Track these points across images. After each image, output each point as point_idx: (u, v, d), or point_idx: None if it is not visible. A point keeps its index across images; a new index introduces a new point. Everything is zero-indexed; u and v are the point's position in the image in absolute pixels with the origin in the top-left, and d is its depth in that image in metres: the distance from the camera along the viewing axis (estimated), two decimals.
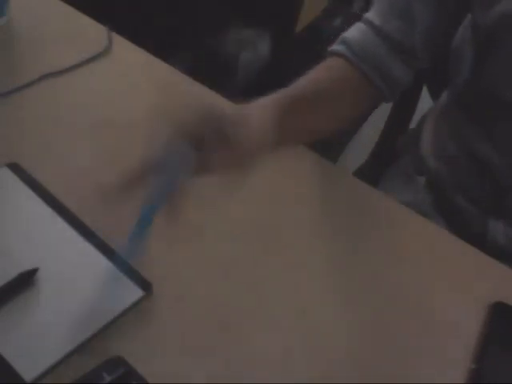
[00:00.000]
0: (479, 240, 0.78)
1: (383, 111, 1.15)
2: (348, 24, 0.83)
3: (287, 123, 0.70)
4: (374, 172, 1.05)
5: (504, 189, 0.82)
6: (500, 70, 0.76)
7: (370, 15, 0.81)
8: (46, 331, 0.60)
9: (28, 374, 0.57)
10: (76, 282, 0.64)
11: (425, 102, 1.09)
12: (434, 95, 1.05)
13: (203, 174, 0.62)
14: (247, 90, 1.80)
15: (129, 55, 0.93)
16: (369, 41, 0.79)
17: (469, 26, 0.81)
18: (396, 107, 1.13)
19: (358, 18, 0.82)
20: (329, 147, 0.89)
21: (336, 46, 0.80)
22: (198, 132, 0.61)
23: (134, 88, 0.88)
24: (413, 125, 1.06)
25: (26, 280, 0.63)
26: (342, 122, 0.80)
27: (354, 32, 0.81)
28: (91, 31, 0.95)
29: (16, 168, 0.73)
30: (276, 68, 1.81)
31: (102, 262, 0.66)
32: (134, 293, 0.64)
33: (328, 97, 0.77)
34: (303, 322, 0.65)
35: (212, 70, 1.79)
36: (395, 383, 0.61)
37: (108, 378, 0.57)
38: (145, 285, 0.64)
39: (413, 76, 0.82)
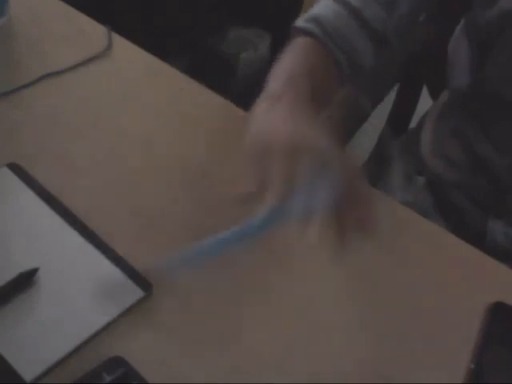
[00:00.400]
0: (479, 240, 0.78)
1: (383, 111, 1.15)
2: None
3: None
4: (373, 172, 1.05)
5: (504, 189, 0.82)
6: (503, 69, 0.76)
7: None
8: (46, 331, 0.60)
9: (28, 373, 0.57)
10: (76, 282, 0.64)
11: (425, 102, 1.09)
12: (434, 95, 1.05)
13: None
14: (247, 89, 1.80)
15: (129, 55, 0.93)
16: (343, 23, 0.74)
17: (465, 27, 0.81)
18: (396, 107, 1.13)
19: None
20: None
21: (307, 24, 0.75)
22: None
23: (133, 88, 0.88)
24: (413, 125, 1.06)
25: (25, 280, 0.63)
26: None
27: (326, 11, 0.75)
28: (91, 31, 0.95)
29: (16, 168, 0.73)
30: None
31: (102, 262, 0.66)
32: (134, 293, 0.64)
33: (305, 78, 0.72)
34: (303, 322, 0.65)
35: (212, 69, 1.79)
36: (395, 383, 0.61)
37: (108, 378, 0.57)
38: (145, 285, 0.64)
39: (382, 66, 0.79)
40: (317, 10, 0.76)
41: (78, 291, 0.64)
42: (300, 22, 0.75)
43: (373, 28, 0.75)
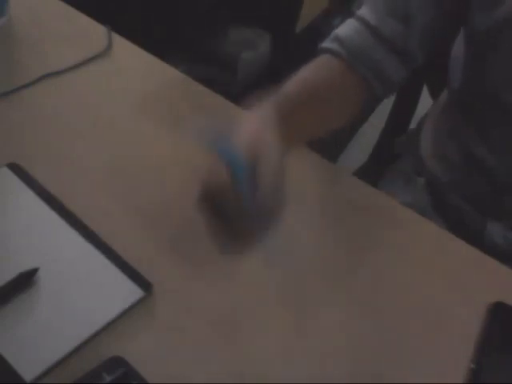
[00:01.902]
0: (477, 240, 0.78)
1: (383, 111, 1.15)
2: None
3: (286, 129, 0.69)
4: (373, 172, 1.05)
5: (501, 190, 0.82)
6: (502, 72, 0.76)
7: (364, 13, 0.78)
8: (46, 331, 0.60)
9: (28, 373, 0.57)
10: (76, 282, 0.64)
11: (425, 102, 1.09)
12: (434, 95, 1.05)
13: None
14: (247, 90, 1.80)
15: (129, 55, 0.93)
16: (363, 40, 0.77)
17: (463, 29, 0.81)
18: (396, 107, 1.13)
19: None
20: (329, 147, 0.89)
21: (329, 44, 0.78)
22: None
23: (133, 88, 0.88)
24: (413, 125, 1.06)
25: (25, 280, 0.63)
26: (337, 120, 0.79)
27: (348, 30, 0.78)
28: (91, 31, 0.95)
29: (16, 168, 0.73)
30: (276, 68, 1.81)
31: (102, 262, 0.66)
32: (134, 293, 0.64)
33: (320, 97, 0.75)
34: (303, 321, 0.65)
35: (212, 69, 1.79)
36: (395, 383, 0.61)
37: (108, 378, 0.57)
38: (145, 285, 0.64)
39: (408, 74, 0.81)
40: (340, 29, 0.79)
41: (78, 291, 0.64)
42: (324, 43, 0.78)
43: (392, 43, 0.77)
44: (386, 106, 1.14)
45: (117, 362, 0.58)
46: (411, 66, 0.80)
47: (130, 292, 0.64)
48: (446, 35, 0.82)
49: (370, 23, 0.77)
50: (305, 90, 0.74)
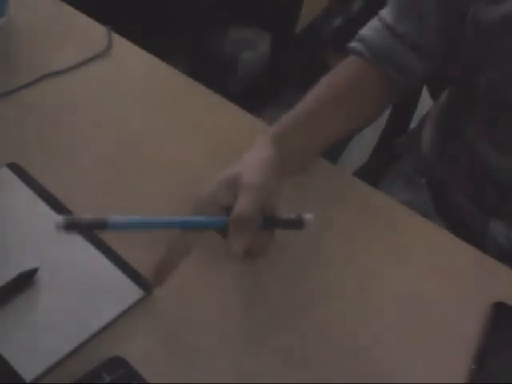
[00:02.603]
0: (479, 240, 0.78)
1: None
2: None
3: (295, 147, 0.73)
4: (374, 172, 1.05)
5: (504, 189, 0.82)
6: (503, 70, 0.76)
7: (384, 13, 0.83)
8: (46, 331, 0.60)
9: (28, 373, 0.57)
10: (76, 282, 0.64)
11: (425, 102, 1.09)
12: (434, 95, 1.05)
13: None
14: (247, 89, 1.80)
15: (129, 55, 0.93)
16: (382, 38, 0.81)
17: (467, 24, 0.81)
18: (396, 107, 1.13)
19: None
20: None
21: (354, 44, 0.82)
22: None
23: (133, 88, 0.88)
24: (413, 125, 1.06)
25: (25, 280, 0.63)
26: (358, 119, 0.82)
27: (370, 29, 0.83)
28: (91, 31, 0.95)
29: (16, 168, 0.73)
30: (276, 68, 1.81)
31: (102, 262, 0.66)
32: (134, 293, 0.64)
33: (341, 97, 0.79)
34: (303, 321, 0.65)
35: (212, 69, 1.79)
36: (395, 383, 0.61)
37: (108, 378, 0.57)
38: (145, 285, 0.64)
39: (429, 68, 0.84)
40: (364, 29, 0.84)
41: (78, 291, 0.64)
42: (350, 43, 0.83)
43: (409, 40, 0.80)
44: None
45: (117, 362, 0.58)
46: (433, 63, 0.83)
47: (130, 292, 0.64)
48: (456, 34, 0.82)
49: (388, 23, 0.81)
50: (327, 95, 0.78)
